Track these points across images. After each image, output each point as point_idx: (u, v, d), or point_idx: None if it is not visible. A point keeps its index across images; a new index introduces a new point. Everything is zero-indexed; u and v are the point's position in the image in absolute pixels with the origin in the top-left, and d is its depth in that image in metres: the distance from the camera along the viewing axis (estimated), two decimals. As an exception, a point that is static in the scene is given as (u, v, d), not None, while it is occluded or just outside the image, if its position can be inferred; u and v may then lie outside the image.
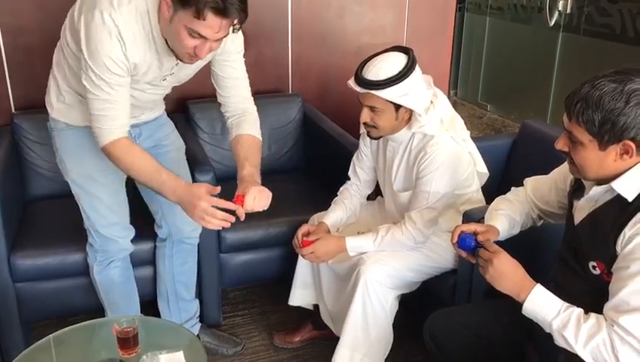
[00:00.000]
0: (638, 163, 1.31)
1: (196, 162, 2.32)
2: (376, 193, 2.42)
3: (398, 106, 1.94)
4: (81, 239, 2.14)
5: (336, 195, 2.33)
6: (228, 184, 2.68)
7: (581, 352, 1.29)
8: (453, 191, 2.02)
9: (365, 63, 1.95)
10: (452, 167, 1.99)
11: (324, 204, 2.37)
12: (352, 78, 1.95)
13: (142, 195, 2.18)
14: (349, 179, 2.33)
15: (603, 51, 3.05)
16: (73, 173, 1.98)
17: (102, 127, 1.72)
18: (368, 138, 2.16)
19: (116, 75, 1.66)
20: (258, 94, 3.03)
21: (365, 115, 1.98)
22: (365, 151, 2.26)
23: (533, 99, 3.64)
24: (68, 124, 1.92)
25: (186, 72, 1.90)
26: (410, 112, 1.97)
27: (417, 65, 1.95)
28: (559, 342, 1.33)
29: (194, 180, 2.25)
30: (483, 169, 2.15)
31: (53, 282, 2.24)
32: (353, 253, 2.08)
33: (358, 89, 1.94)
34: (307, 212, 2.38)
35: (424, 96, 1.97)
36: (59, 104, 1.91)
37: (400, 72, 1.89)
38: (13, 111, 2.67)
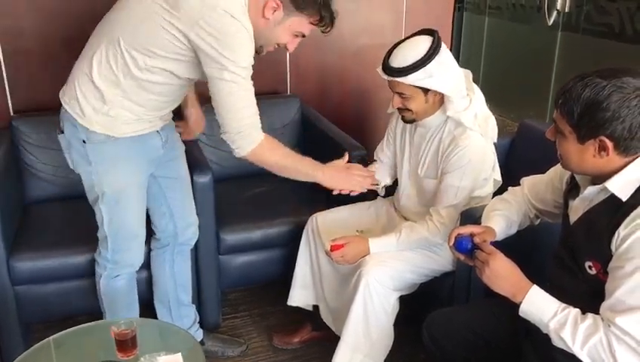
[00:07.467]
0: (630, 162, 1.31)
1: (195, 163, 2.32)
2: (374, 194, 2.42)
3: (426, 90, 1.95)
4: (81, 241, 2.14)
5: (334, 196, 2.33)
6: (226, 184, 2.70)
7: (579, 353, 1.29)
8: (474, 188, 2.03)
9: (392, 50, 1.97)
10: (480, 163, 2.00)
11: (323, 205, 2.37)
12: (380, 66, 1.98)
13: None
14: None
15: (602, 50, 3.03)
16: (107, 186, 1.89)
17: (252, 126, 1.80)
18: (394, 121, 2.19)
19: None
20: (256, 95, 3.05)
21: (396, 102, 2.02)
22: (390, 134, 2.28)
23: (533, 98, 3.62)
24: (110, 136, 1.81)
25: None
26: (441, 95, 1.98)
27: (443, 47, 1.95)
28: (557, 342, 1.33)
29: (192, 181, 2.25)
30: (498, 176, 2.15)
31: (52, 285, 2.24)
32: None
33: (384, 77, 1.97)
34: (306, 212, 2.38)
35: (452, 77, 1.96)
36: (100, 116, 1.79)
37: (423, 57, 1.90)
38: (11, 114, 2.68)
